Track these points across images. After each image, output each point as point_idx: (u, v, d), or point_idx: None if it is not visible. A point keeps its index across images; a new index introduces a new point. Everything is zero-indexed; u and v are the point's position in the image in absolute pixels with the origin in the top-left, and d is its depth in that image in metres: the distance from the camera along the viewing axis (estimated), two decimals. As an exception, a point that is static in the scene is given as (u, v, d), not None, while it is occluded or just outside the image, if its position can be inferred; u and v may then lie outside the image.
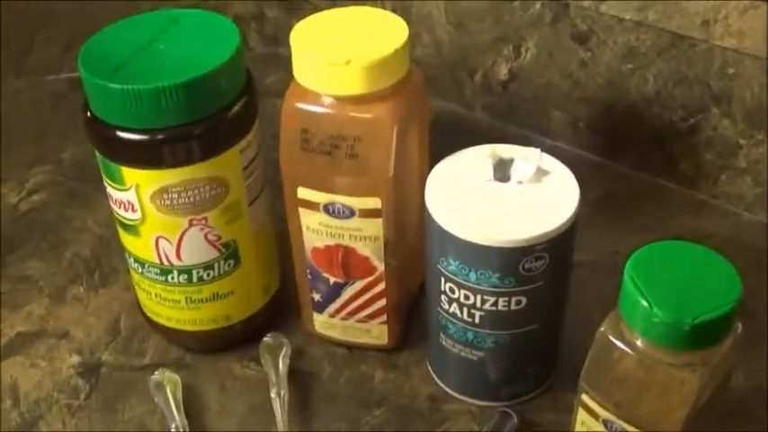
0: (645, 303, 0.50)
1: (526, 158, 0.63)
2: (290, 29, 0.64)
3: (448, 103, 1.01)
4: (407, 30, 0.63)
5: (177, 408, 0.68)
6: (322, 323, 0.73)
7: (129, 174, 0.64)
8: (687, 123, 0.85)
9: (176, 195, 0.64)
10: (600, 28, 0.86)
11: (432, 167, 0.65)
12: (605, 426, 0.55)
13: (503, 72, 0.95)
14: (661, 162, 0.89)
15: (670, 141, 0.87)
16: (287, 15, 1.09)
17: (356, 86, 0.61)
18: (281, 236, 0.74)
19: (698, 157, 0.86)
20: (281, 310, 0.77)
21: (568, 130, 0.93)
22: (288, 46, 0.63)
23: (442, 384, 0.71)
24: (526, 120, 0.96)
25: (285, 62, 0.65)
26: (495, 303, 0.62)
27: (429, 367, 0.72)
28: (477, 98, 0.99)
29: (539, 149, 0.64)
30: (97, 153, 0.65)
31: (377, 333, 0.72)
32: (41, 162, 0.97)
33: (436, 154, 0.67)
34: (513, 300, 0.62)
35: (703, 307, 0.49)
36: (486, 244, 0.59)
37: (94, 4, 1.02)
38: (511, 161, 0.64)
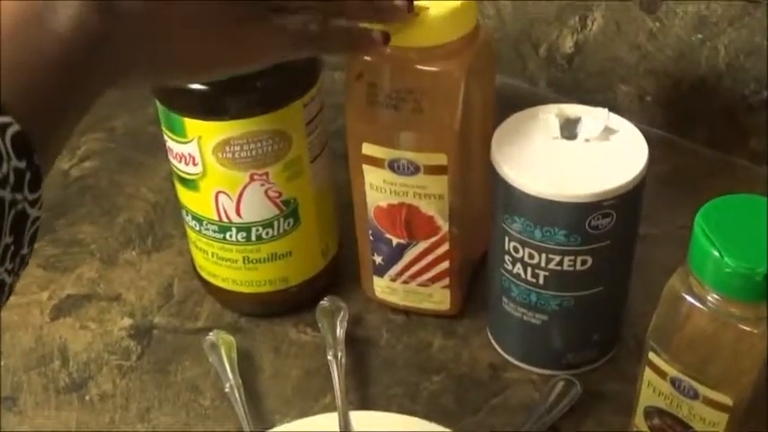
0: (716, 254, 0.51)
1: (594, 117, 0.65)
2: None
3: (511, 78, 1.03)
4: (476, -17, 0.66)
5: (232, 367, 0.71)
6: (383, 288, 0.75)
7: (192, 125, 0.66)
8: (759, 97, 0.86)
9: (238, 148, 0.67)
10: (670, -4, 0.88)
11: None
12: (673, 385, 0.56)
13: (568, 45, 0.97)
14: (731, 137, 0.91)
15: (741, 116, 0.89)
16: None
17: (424, 39, 0.63)
18: (340, 203, 0.77)
19: (770, 133, 0.88)
20: (340, 276, 0.80)
21: (635, 105, 0.95)
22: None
23: (502, 352, 0.73)
24: (591, 95, 0.97)
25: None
26: (561, 263, 0.64)
27: (489, 334, 0.74)
28: (542, 72, 1.01)
29: (606, 109, 0.66)
30: (159, 104, 0.68)
31: (438, 298, 0.74)
32: (93, 130, 1.01)
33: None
34: (579, 259, 0.64)
35: (777, 257, 0.50)
36: (553, 199, 0.61)
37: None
38: (578, 120, 0.66)
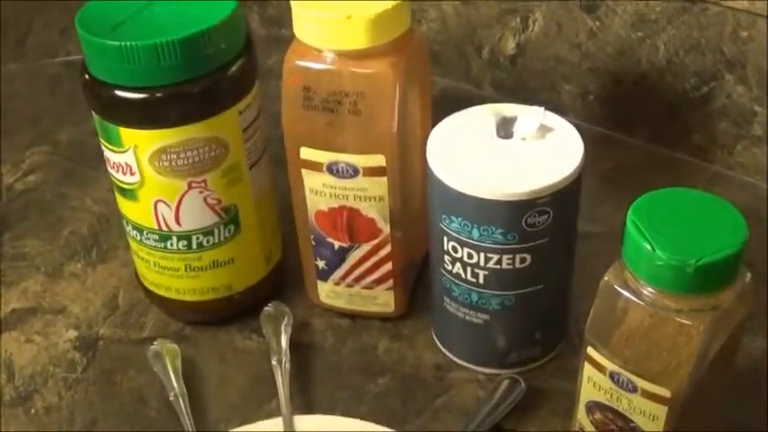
0: (648, 247, 0.51)
1: (530, 116, 0.65)
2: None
3: (455, 81, 1.04)
4: (408, -16, 0.66)
5: (176, 376, 0.71)
6: (327, 292, 0.75)
7: (127, 135, 0.66)
8: (700, 92, 0.87)
9: (175, 156, 0.66)
10: (609, -5, 0.88)
11: (434, 131, 0.67)
12: (612, 379, 0.56)
13: (510, 46, 0.97)
14: (674, 133, 0.91)
15: (683, 111, 0.89)
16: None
17: (358, 41, 0.63)
18: (282, 209, 0.77)
19: (712, 127, 0.88)
20: (284, 281, 0.79)
21: (578, 104, 0.95)
22: (290, 27, 0.66)
23: (447, 352, 0.73)
24: (535, 95, 0.98)
25: (287, 44, 0.68)
26: (500, 261, 0.64)
27: (434, 335, 0.74)
28: (485, 74, 1.01)
29: (542, 107, 0.66)
30: (94, 114, 0.68)
31: (383, 300, 0.74)
32: (38, 143, 1.00)
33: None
34: (518, 257, 0.64)
35: (708, 249, 0.50)
36: (488, 197, 0.61)
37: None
38: (514, 119, 0.66)
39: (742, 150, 0.87)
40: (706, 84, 0.86)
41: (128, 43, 0.62)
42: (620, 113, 0.94)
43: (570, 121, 0.66)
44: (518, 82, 0.99)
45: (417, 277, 0.78)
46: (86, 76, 0.66)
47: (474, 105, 0.68)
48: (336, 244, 0.71)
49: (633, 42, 0.88)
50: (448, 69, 1.03)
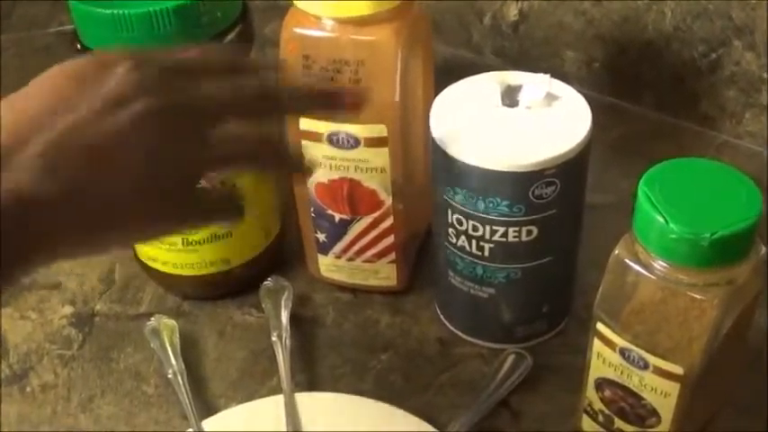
0: (661, 220, 0.50)
1: (535, 83, 0.64)
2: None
3: (456, 49, 1.02)
4: (409, -51, 0.64)
5: (174, 353, 0.69)
6: (327, 266, 0.74)
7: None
8: (708, 59, 0.85)
9: (171, 128, 0.64)
10: (614, -40, 0.86)
11: (437, 101, 0.66)
12: (623, 355, 0.55)
13: (512, 12, 0.95)
14: (681, 102, 0.90)
15: (690, 79, 0.87)
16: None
17: (358, 8, 0.62)
18: (280, 181, 0.75)
19: (720, 95, 0.86)
20: (284, 255, 0.78)
21: (583, 72, 0.94)
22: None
23: (451, 327, 0.72)
24: (538, 62, 0.96)
25: (284, 11, 0.66)
26: (505, 234, 0.62)
27: (438, 310, 0.73)
28: (487, 42, 0.99)
29: (548, 75, 0.64)
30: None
31: (385, 273, 0.73)
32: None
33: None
34: (524, 230, 0.62)
35: (722, 222, 0.49)
36: (494, 169, 0.59)
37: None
38: (519, 87, 0.64)
39: (750, 119, 0.86)
40: (714, 51, 0.84)
41: (121, 11, 0.60)
42: (625, 82, 0.92)
43: (575, 90, 0.64)
44: (520, 49, 0.97)
45: (420, 249, 0.76)
46: (78, 46, 0.65)
47: (475, 73, 0.66)
48: (337, 216, 0.70)
49: (639, 8, 0.87)
50: (448, 37, 1.01)
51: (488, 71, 0.67)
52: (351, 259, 0.72)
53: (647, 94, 0.91)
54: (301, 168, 0.59)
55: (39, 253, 0.44)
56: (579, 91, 0.64)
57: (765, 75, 0.82)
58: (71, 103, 0.45)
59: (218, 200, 0.56)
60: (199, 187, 0.51)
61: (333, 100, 0.56)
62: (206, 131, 0.49)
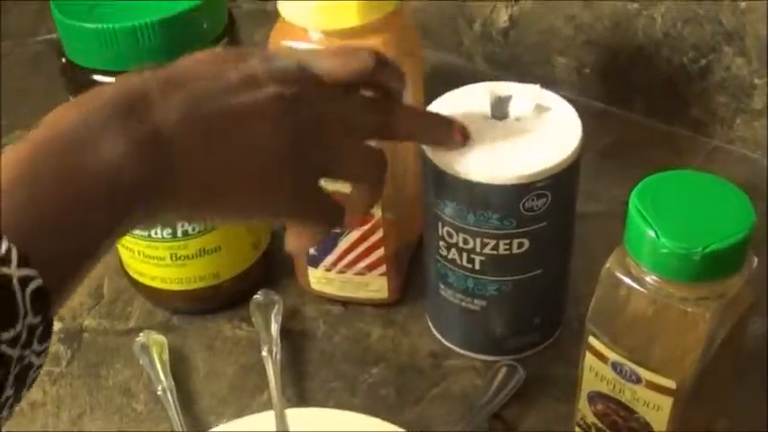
0: (652, 234, 0.49)
1: (525, 94, 0.63)
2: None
3: (446, 55, 1.01)
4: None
5: (164, 369, 0.69)
6: (318, 278, 0.73)
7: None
8: (698, 65, 0.84)
9: (157, 142, 0.64)
10: (604, -35, 0.86)
11: (427, 110, 0.65)
12: (615, 369, 0.54)
13: (503, 18, 0.95)
14: (672, 108, 0.89)
15: (681, 85, 0.87)
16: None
17: (346, 19, 0.61)
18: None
19: (711, 101, 0.86)
20: (274, 269, 0.77)
21: (574, 78, 0.93)
22: (275, 1, 0.64)
23: (443, 339, 0.71)
24: (529, 69, 0.96)
25: (273, 18, 0.65)
26: (496, 247, 0.62)
27: (429, 322, 0.72)
28: (477, 48, 0.99)
29: (538, 85, 0.63)
30: (73, 101, 0.65)
31: (376, 286, 0.72)
32: (19, 126, 0.97)
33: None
34: (515, 242, 0.61)
35: (714, 235, 0.48)
36: (484, 182, 0.59)
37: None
38: (509, 98, 0.63)
39: (741, 124, 0.85)
40: (704, 56, 0.84)
41: (105, 25, 0.60)
42: (616, 87, 0.92)
43: (565, 96, 0.64)
44: (511, 56, 0.97)
45: (411, 261, 0.75)
46: (63, 60, 0.64)
47: (466, 81, 0.66)
48: (327, 229, 0.69)
49: (629, 14, 0.86)
50: (439, 43, 1.01)
51: (478, 78, 0.66)
52: (341, 272, 0.72)
53: (638, 100, 0.91)
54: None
55: (163, 197, 0.45)
56: (570, 97, 0.64)
57: (756, 80, 0.82)
58: (214, 74, 0.48)
59: (326, 204, 0.55)
60: (318, 186, 0.53)
61: (450, 130, 0.59)
62: (339, 141, 0.53)
